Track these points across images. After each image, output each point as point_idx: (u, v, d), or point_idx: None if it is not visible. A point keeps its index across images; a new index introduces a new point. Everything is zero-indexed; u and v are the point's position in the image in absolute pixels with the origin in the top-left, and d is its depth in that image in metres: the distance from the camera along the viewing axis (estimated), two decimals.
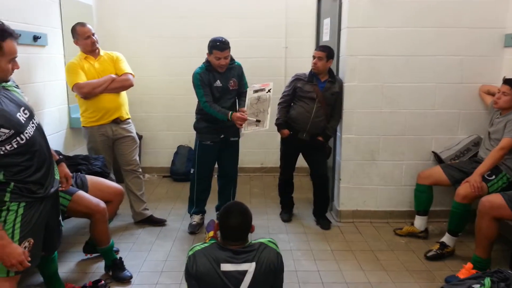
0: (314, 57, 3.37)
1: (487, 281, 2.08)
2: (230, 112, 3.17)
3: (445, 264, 2.93)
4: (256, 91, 3.17)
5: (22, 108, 1.93)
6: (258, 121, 3.19)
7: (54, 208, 2.16)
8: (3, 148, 1.82)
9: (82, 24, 3.28)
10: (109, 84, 3.29)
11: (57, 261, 2.51)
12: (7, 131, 1.80)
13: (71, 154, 3.52)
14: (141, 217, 3.60)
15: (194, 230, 3.45)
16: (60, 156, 2.37)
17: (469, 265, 2.51)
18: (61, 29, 3.71)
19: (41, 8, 3.39)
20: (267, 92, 3.19)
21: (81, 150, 3.96)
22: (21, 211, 1.92)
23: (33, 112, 2.01)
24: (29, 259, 1.90)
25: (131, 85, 3.43)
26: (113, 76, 3.34)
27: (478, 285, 2.07)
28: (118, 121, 3.43)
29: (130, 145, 3.54)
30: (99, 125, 3.37)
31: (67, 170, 2.32)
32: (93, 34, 3.30)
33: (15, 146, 1.85)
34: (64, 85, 3.77)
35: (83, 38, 3.26)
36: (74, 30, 3.28)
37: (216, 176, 3.62)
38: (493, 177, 2.91)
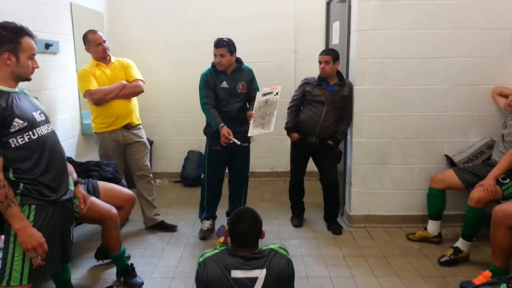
0: (320, 62, 3.35)
1: (503, 286, 2.03)
2: (222, 124, 3.17)
3: (459, 270, 2.87)
4: (264, 94, 3.18)
5: (39, 111, 2.02)
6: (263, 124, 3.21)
7: (67, 217, 2.16)
8: (15, 141, 1.87)
9: (93, 32, 3.32)
10: (120, 90, 3.32)
11: (70, 269, 2.51)
12: (21, 121, 1.88)
13: (83, 160, 3.55)
14: (152, 223, 3.61)
15: (204, 235, 3.44)
16: (77, 178, 2.39)
17: (488, 273, 2.45)
18: (73, 36, 3.76)
19: (52, 16, 3.44)
20: (275, 95, 3.19)
21: (93, 156, 3.99)
22: (31, 217, 1.93)
23: (49, 119, 2.08)
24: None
25: (141, 91, 3.47)
26: (124, 82, 3.37)
27: None
28: (129, 127, 3.46)
29: (141, 150, 3.56)
30: (110, 131, 3.39)
31: (84, 192, 2.34)
32: (104, 41, 3.34)
33: (27, 140, 1.90)
34: (76, 92, 3.81)
35: (95, 45, 3.31)
36: (85, 37, 3.33)
37: (227, 181, 3.61)
38: (508, 180, 2.86)
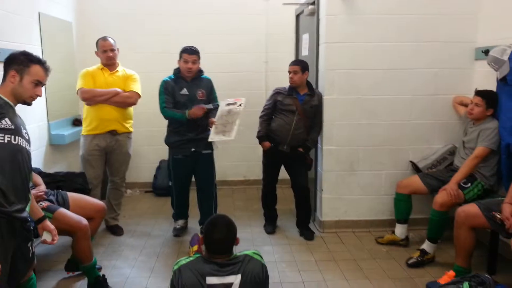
0: (290, 72, 3.45)
1: (466, 285, 2.15)
2: (186, 110, 3.25)
3: (426, 271, 2.99)
4: (228, 105, 3.25)
5: (25, 131, 2.08)
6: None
7: (23, 237, 2.03)
8: None
9: (103, 39, 3.52)
10: (111, 97, 3.44)
11: (36, 284, 2.39)
12: (9, 123, 1.95)
13: (51, 171, 3.48)
14: (105, 223, 3.70)
15: (178, 233, 3.53)
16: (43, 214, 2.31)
17: (451, 272, 2.57)
18: (40, 46, 3.68)
19: (21, 25, 3.37)
20: (238, 106, 3.27)
21: (61, 167, 3.92)
22: None
23: (30, 142, 2.11)
24: None
25: (133, 103, 3.60)
26: (118, 90, 3.48)
27: None
28: (114, 133, 3.54)
29: (120, 159, 3.64)
30: (94, 135, 3.49)
31: (52, 226, 2.26)
32: (112, 50, 3.48)
33: (6, 141, 1.92)
34: (44, 102, 3.73)
35: (101, 51, 3.48)
36: (97, 43, 3.52)
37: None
38: (469, 184, 3.01)
